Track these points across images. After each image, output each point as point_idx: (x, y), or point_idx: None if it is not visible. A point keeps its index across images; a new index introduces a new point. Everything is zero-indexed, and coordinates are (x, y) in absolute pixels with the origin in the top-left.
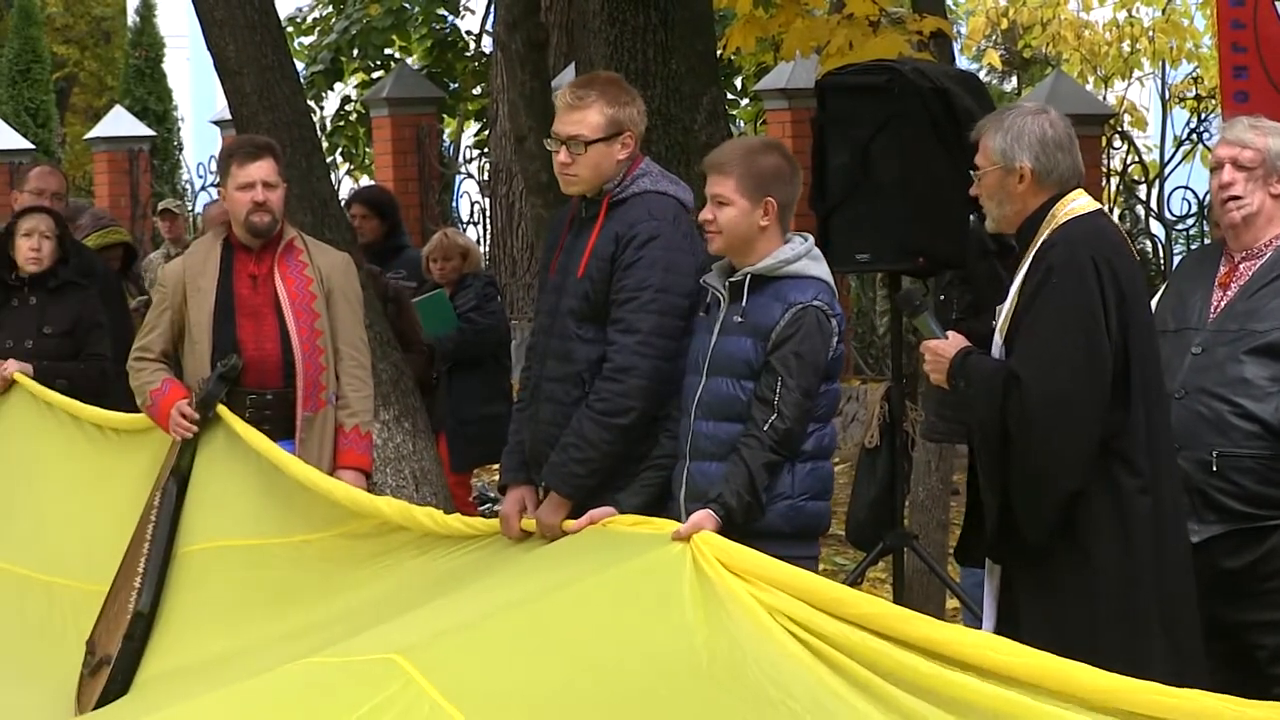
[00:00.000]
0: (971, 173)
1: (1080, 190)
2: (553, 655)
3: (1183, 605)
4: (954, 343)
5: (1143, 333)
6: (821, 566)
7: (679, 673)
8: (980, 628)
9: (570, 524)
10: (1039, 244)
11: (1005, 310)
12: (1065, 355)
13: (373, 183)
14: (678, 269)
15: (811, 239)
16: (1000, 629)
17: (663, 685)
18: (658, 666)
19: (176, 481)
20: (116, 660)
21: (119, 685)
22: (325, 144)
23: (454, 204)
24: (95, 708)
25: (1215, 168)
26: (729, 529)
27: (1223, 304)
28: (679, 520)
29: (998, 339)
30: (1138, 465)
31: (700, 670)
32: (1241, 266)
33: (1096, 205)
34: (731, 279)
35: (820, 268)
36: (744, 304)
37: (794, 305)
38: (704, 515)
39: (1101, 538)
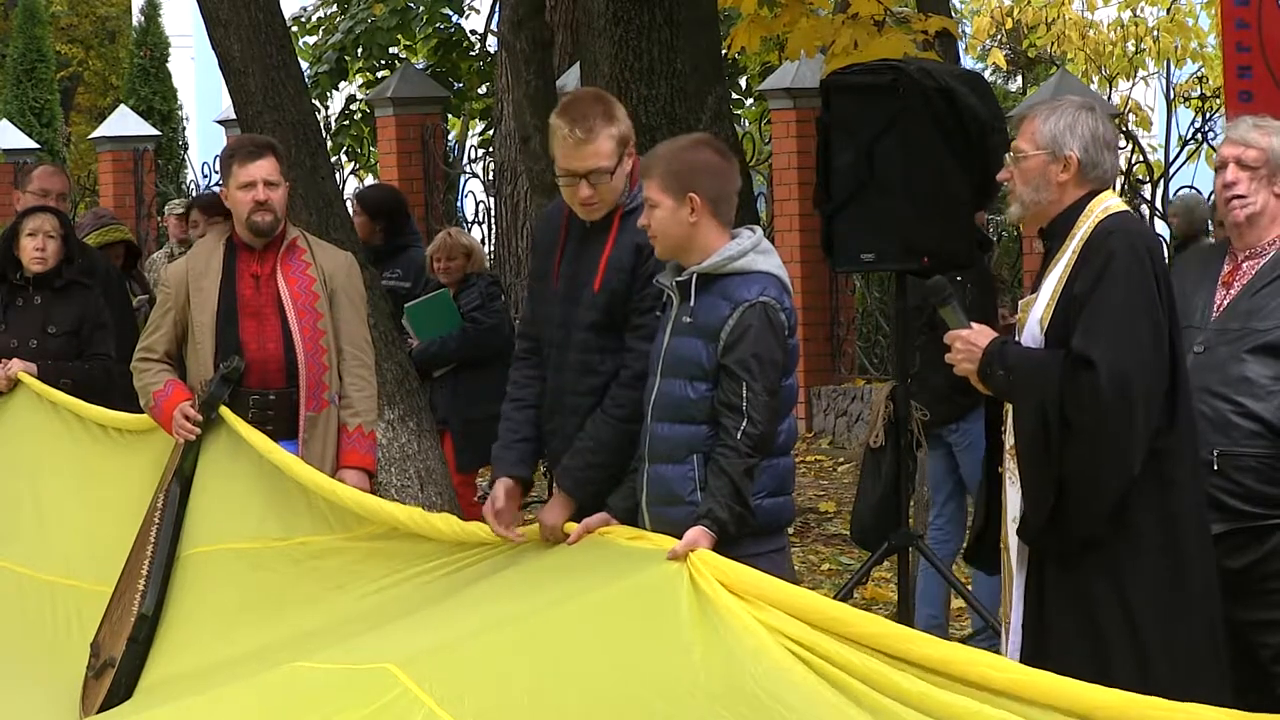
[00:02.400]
0: (1008, 155)
1: (1111, 191)
2: (549, 671)
3: (1216, 598)
4: (984, 332)
5: (1179, 330)
6: (826, 566)
7: (675, 689)
8: (980, 626)
9: (571, 526)
10: (1081, 235)
11: (1043, 301)
12: (1136, 340)
13: (376, 182)
14: None
15: (760, 232)
16: (1027, 633)
17: (659, 701)
18: (654, 682)
19: (179, 484)
20: (121, 663)
21: (123, 688)
22: (330, 144)
23: (459, 204)
24: (100, 711)
25: (1219, 167)
26: (723, 541)
27: (1225, 303)
28: (642, 526)
29: (1034, 330)
30: (1185, 457)
31: (697, 686)
32: (1244, 265)
33: (1127, 206)
34: (679, 278)
35: (769, 261)
36: (692, 304)
37: (741, 304)
38: (699, 533)
39: (1151, 532)
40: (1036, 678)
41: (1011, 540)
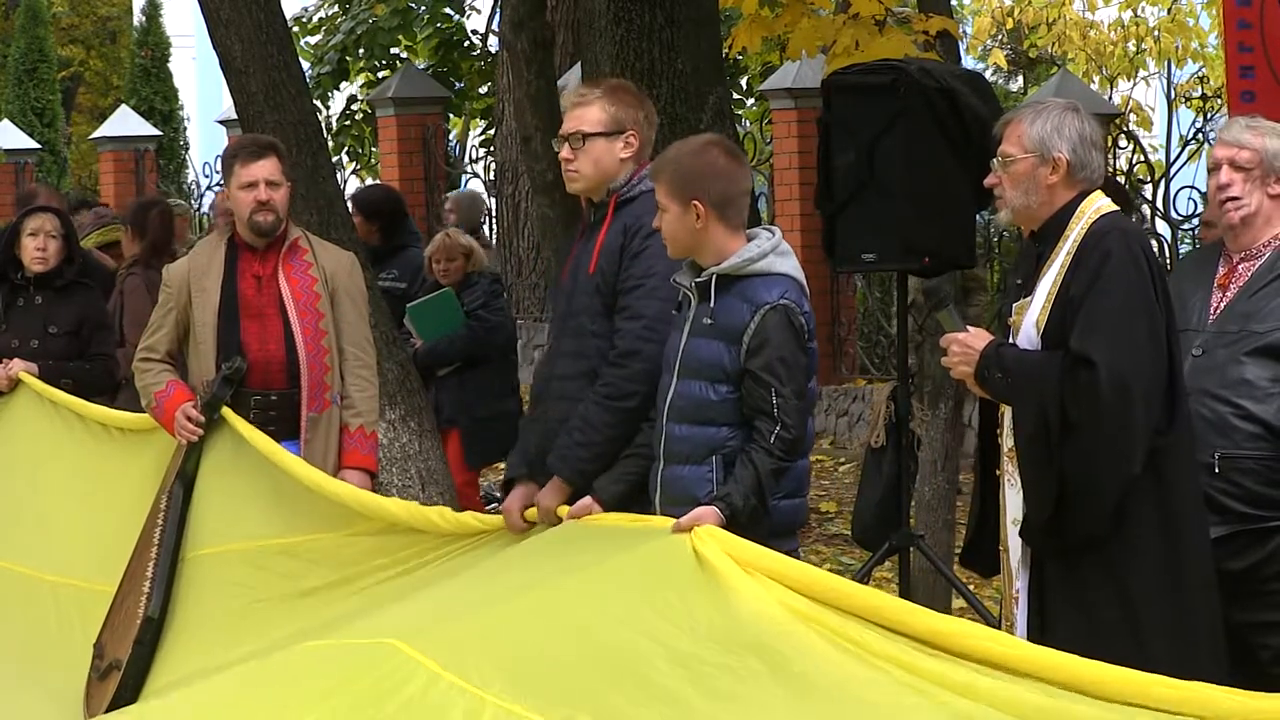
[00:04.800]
0: (995, 160)
1: (1101, 192)
2: (552, 634)
3: (1215, 598)
4: (980, 334)
5: (1175, 330)
6: (827, 566)
7: (678, 645)
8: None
9: (565, 510)
10: (1074, 237)
11: (1038, 303)
12: (1134, 339)
13: (376, 183)
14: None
15: (779, 233)
16: (1031, 632)
17: (662, 659)
18: (658, 639)
19: (182, 485)
20: (127, 665)
21: (130, 691)
22: (331, 144)
23: None
24: (106, 712)
25: (1213, 169)
26: (730, 528)
27: (1222, 305)
28: None
29: (1030, 332)
30: (1183, 456)
31: (699, 643)
32: (1240, 267)
33: (1117, 207)
34: (698, 279)
35: (787, 263)
36: (712, 305)
37: (761, 306)
38: (708, 510)
39: (1151, 532)
40: (1038, 653)
41: (1012, 542)
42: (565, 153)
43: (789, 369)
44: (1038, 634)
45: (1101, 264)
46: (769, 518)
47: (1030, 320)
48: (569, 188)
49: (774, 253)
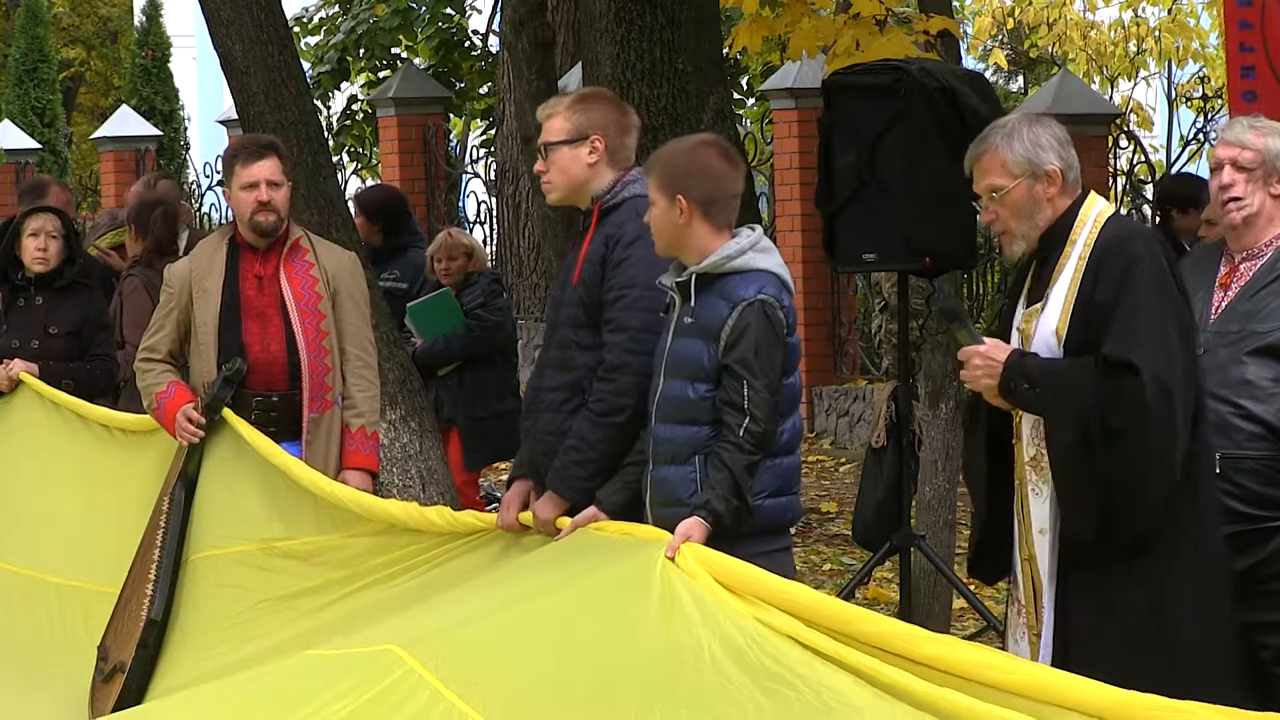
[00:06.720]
0: (980, 203)
1: (1095, 193)
2: (551, 649)
3: (1229, 604)
4: (1000, 345)
5: (1195, 332)
6: (828, 566)
7: (677, 661)
8: (984, 627)
9: (564, 522)
10: (1082, 241)
11: (1055, 309)
12: (1169, 343)
13: (379, 183)
14: (665, 266)
15: (759, 230)
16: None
17: (659, 674)
18: (656, 657)
19: (184, 487)
20: (131, 668)
21: (134, 693)
22: (332, 144)
23: (460, 204)
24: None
25: (1215, 169)
26: (718, 535)
27: (1223, 305)
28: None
29: (1049, 340)
30: (1206, 456)
31: (703, 660)
32: (1242, 267)
33: (1114, 209)
34: (679, 279)
35: (768, 259)
36: (693, 304)
37: (740, 303)
38: (693, 524)
39: (1184, 533)
40: (1038, 674)
41: (1040, 552)
42: (539, 165)
43: (762, 362)
44: (1062, 643)
45: (1128, 269)
46: (752, 516)
47: (1048, 328)
48: (547, 200)
49: (753, 249)
